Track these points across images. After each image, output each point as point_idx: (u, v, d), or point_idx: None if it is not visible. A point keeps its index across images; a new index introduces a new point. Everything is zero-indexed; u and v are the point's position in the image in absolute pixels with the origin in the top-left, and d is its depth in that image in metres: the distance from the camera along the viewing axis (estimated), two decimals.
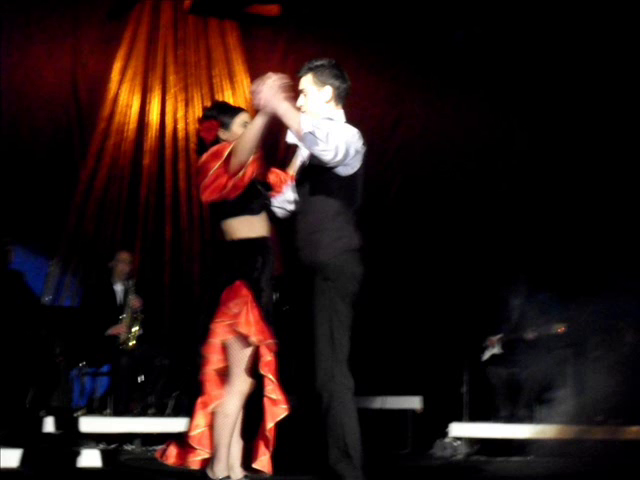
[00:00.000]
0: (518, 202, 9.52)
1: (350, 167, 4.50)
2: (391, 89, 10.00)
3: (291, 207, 4.70)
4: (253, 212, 4.58)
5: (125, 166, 9.07)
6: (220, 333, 4.46)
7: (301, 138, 4.39)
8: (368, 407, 7.96)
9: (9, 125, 8.66)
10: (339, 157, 4.40)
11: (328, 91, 4.66)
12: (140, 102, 9.22)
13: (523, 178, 9.65)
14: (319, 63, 4.69)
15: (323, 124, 4.44)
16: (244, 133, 4.49)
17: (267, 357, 4.45)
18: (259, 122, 4.38)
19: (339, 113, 4.69)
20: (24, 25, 8.79)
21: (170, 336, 8.46)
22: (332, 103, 4.69)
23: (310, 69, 4.69)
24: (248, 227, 4.55)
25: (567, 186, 9.41)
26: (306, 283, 4.48)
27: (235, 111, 4.71)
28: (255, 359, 4.46)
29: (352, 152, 4.47)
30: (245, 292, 4.47)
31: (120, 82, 9.14)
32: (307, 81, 4.67)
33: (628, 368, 7.23)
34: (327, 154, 4.38)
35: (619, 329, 7.87)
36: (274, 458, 4.54)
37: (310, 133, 4.35)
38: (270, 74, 4.41)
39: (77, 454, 6.33)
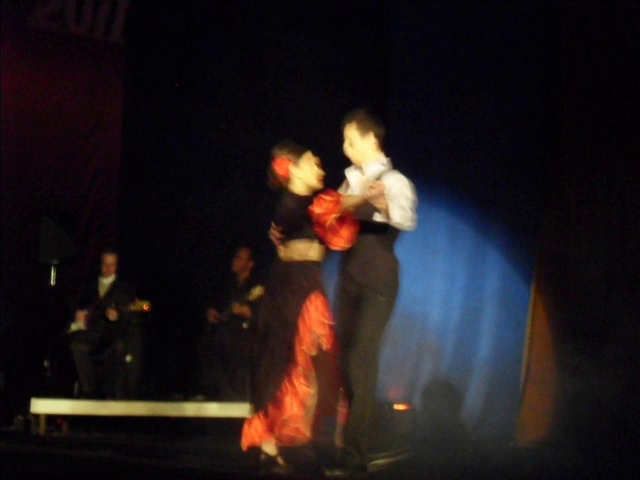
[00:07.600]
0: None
1: None
2: None
3: None
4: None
5: None
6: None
7: (389, 219, 5.07)
8: None
9: None
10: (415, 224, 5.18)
11: (371, 137, 5.24)
12: None
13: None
14: (361, 112, 5.22)
15: (404, 200, 5.07)
16: (351, 197, 5.31)
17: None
18: (362, 201, 5.16)
19: (384, 158, 5.29)
20: None
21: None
22: (376, 148, 5.24)
23: (354, 118, 5.23)
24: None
25: None
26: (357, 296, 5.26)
27: (301, 150, 5.56)
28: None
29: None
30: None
31: None
32: (351, 129, 5.23)
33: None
34: (412, 226, 5.13)
35: None
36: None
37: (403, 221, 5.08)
38: (380, 183, 5.01)
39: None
